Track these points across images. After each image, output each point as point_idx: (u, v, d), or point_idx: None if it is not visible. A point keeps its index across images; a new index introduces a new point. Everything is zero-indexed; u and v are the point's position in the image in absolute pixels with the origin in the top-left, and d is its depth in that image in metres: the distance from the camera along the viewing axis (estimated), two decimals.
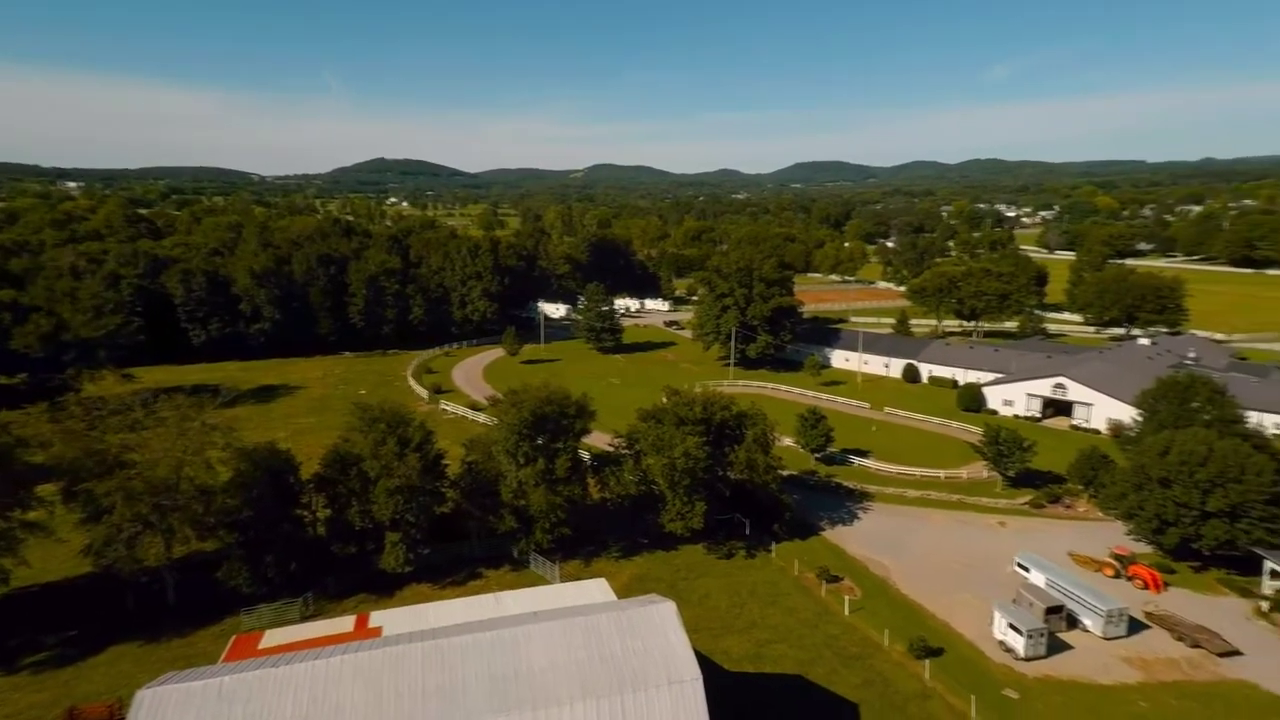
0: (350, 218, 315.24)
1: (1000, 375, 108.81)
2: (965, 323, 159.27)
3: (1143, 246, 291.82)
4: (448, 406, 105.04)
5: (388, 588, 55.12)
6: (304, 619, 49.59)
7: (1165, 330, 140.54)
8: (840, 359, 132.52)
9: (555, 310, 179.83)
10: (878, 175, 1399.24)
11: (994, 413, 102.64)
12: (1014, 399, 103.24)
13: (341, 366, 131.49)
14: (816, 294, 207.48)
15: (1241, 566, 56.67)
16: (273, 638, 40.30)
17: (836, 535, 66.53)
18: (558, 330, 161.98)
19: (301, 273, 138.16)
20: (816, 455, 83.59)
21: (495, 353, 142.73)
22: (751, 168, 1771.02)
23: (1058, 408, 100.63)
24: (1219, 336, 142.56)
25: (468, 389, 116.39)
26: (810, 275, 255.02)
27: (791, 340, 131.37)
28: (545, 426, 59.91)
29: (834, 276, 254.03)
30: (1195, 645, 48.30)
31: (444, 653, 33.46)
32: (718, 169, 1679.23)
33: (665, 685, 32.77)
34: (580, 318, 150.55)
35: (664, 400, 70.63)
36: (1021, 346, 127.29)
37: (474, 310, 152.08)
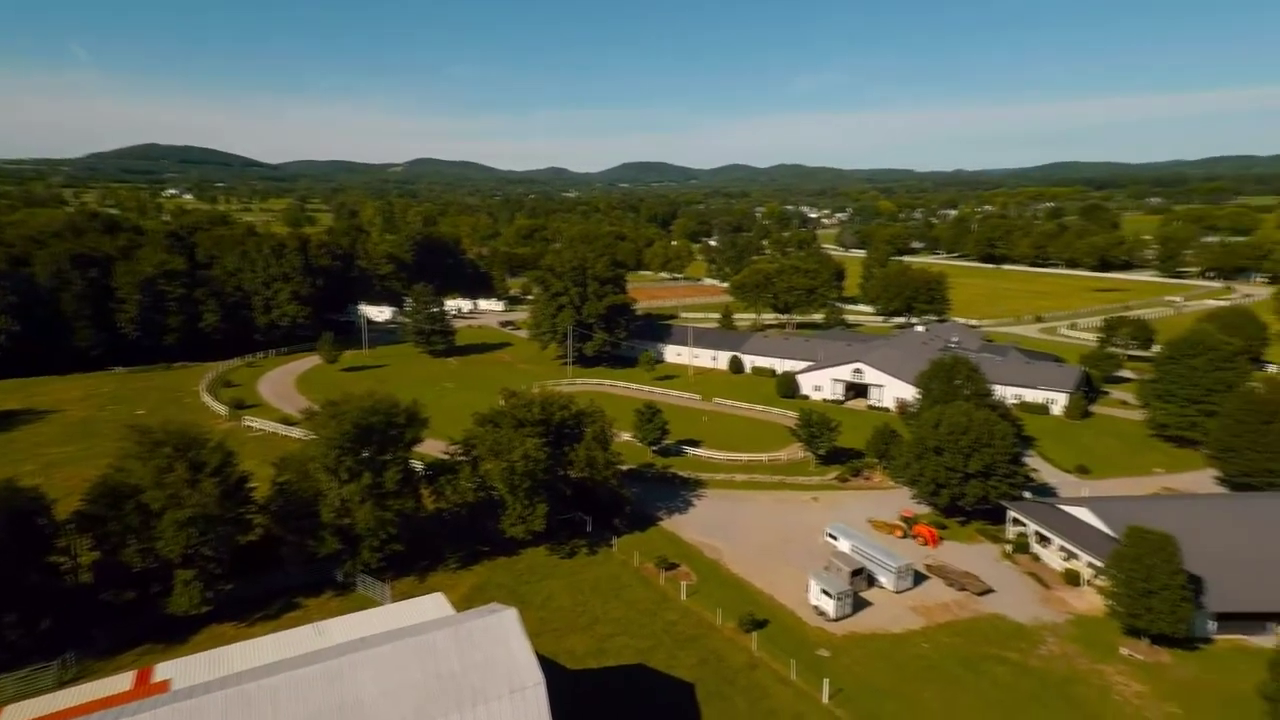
0: (115, 211, 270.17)
1: (810, 363, 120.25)
2: (781, 315, 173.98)
3: (916, 245, 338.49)
4: (253, 423, 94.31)
5: (180, 633, 48.52)
6: (62, 685, 42.02)
7: (935, 318, 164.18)
8: (673, 354, 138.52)
9: (379, 313, 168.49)
10: (699, 177, 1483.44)
11: (806, 398, 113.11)
12: (822, 384, 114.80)
13: (111, 384, 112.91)
14: (649, 291, 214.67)
15: (993, 517, 68.11)
16: (15, 715, 33.63)
17: (674, 524, 69.64)
18: (383, 334, 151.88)
19: (47, 276, 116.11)
20: (654, 448, 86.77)
21: (310, 361, 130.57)
22: (580, 166, 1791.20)
23: (857, 390, 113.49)
24: (973, 322, 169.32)
25: (277, 402, 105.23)
26: (642, 273, 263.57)
27: (627, 337, 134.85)
28: (371, 438, 56.07)
29: (664, 274, 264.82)
30: (961, 588, 57.22)
31: (250, 699, 30.11)
32: (547, 166, 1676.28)
33: (507, 695, 32.33)
34: (408, 320, 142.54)
35: (501, 403, 69.22)
36: (827, 336, 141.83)
37: (281, 315, 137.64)
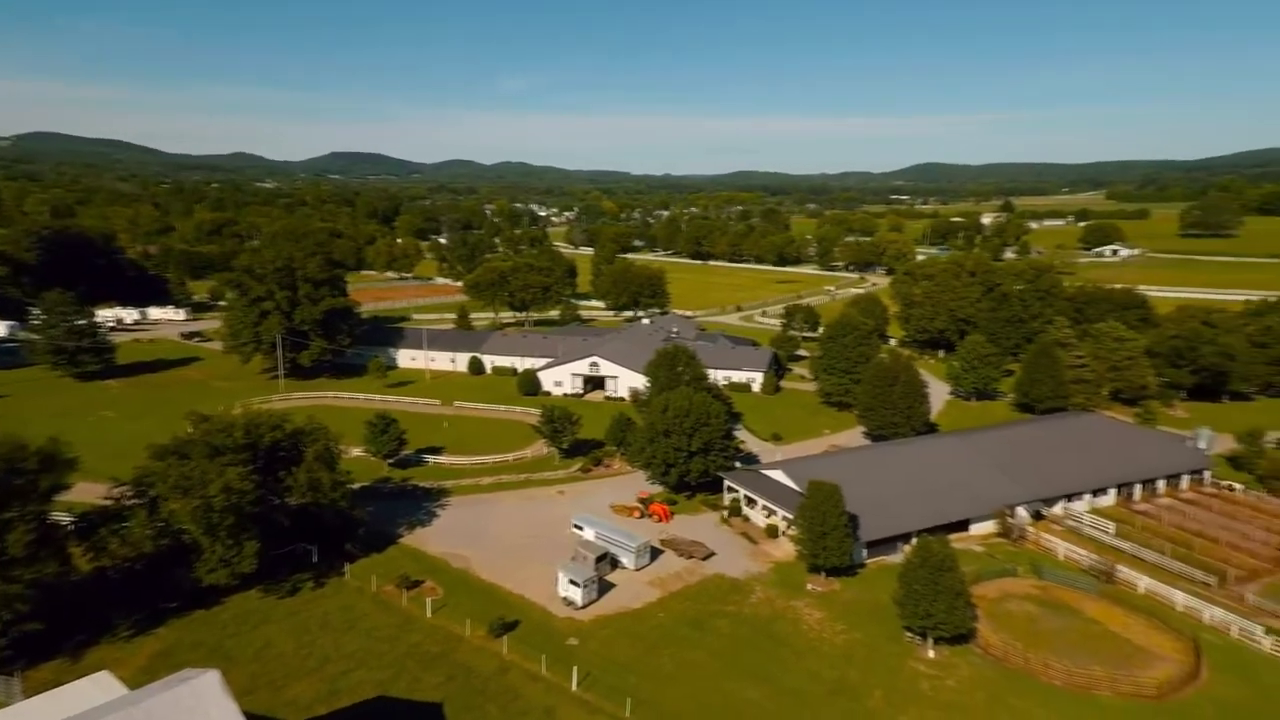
0: None
1: (551, 360, 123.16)
2: (518, 313, 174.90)
3: (637, 243, 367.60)
4: None
5: None
6: None
7: (658, 311, 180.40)
8: (407, 358, 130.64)
9: None
10: (421, 171, 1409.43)
11: (549, 394, 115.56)
12: (562, 380, 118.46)
13: None
14: (375, 292, 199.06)
15: (714, 488, 77.55)
16: None
17: (417, 538, 66.24)
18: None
19: None
20: (390, 461, 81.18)
21: None
22: (279, 153, 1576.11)
23: (595, 383, 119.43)
24: (689, 313, 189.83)
25: None
26: (365, 273, 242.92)
27: (351, 344, 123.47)
28: None
29: (390, 274, 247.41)
30: (690, 556, 64.31)
31: None
32: (233, 151, 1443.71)
33: None
34: (37, 337, 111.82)
35: (190, 429, 58.45)
36: (564, 332, 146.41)
37: None
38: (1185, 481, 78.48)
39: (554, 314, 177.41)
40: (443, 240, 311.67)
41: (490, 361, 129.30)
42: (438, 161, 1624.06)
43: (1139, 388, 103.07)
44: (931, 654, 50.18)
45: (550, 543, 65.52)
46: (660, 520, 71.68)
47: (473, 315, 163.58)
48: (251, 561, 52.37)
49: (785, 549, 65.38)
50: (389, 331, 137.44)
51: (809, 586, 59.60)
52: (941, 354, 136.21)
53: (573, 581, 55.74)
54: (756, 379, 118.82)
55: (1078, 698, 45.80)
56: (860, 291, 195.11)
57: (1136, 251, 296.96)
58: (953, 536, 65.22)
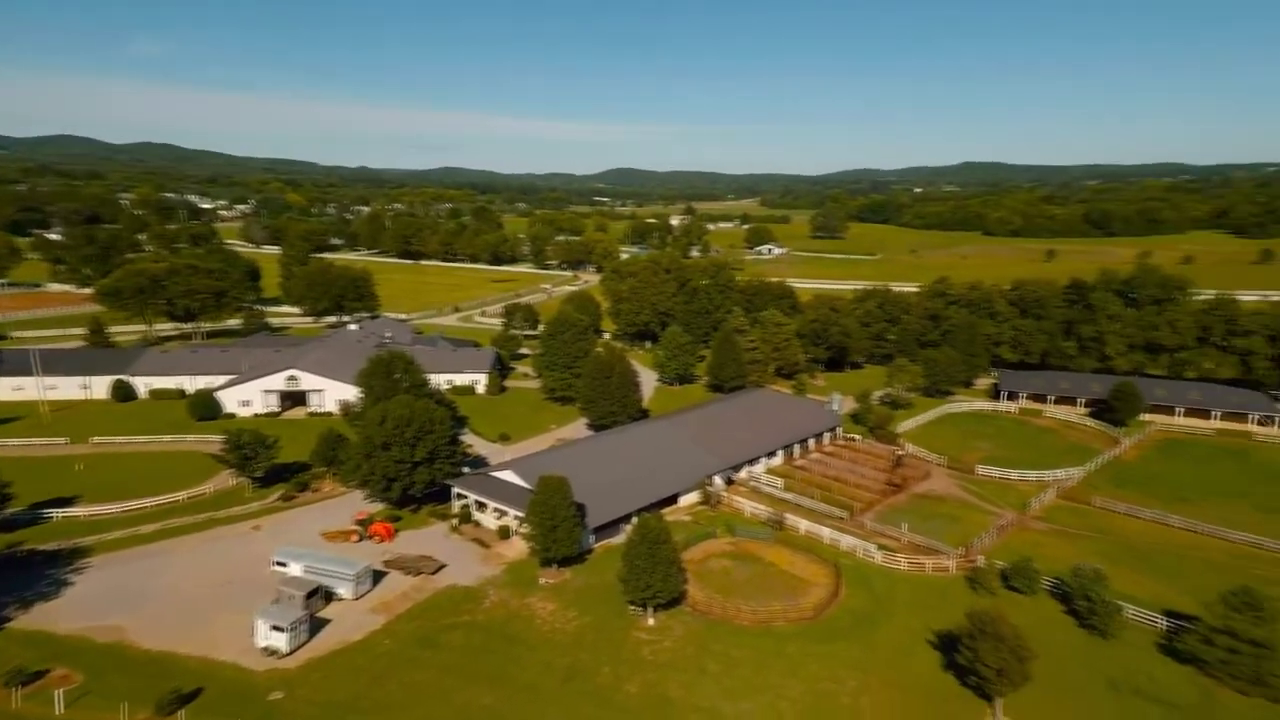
0: None
1: (233, 376, 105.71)
2: (183, 325, 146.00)
3: (335, 241, 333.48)
4: None
5: None
6: None
7: (367, 315, 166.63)
8: (9, 388, 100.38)
9: None
10: (11, 147, 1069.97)
11: (233, 416, 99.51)
12: (251, 398, 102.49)
13: None
14: None
15: (442, 498, 74.81)
16: None
17: (36, 618, 52.47)
18: None
19: None
20: None
21: None
22: None
23: (295, 399, 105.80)
24: (402, 316, 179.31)
25: None
26: None
27: None
28: None
29: None
30: (418, 573, 61.23)
31: None
32: None
33: None
34: None
35: None
36: (250, 344, 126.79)
37: None
38: (827, 438, 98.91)
39: (234, 323, 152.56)
40: (54, 236, 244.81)
41: (144, 384, 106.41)
42: (38, 135, 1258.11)
43: (793, 364, 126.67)
44: (651, 621, 55.51)
45: (246, 587, 56.78)
46: (383, 540, 66.81)
47: (114, 329, 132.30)
48: None
49: (518, 548, 66.10)
50: None
51: (541, 580, 61.19)
52: (649, 345, 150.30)
53: (275, 627, 49.03)
54: (480, 380, 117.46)
55: (762, 631, 54.82)
56: (574, 289, 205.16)
57: (784, 250, 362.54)
58: (666, 511, 73.17)
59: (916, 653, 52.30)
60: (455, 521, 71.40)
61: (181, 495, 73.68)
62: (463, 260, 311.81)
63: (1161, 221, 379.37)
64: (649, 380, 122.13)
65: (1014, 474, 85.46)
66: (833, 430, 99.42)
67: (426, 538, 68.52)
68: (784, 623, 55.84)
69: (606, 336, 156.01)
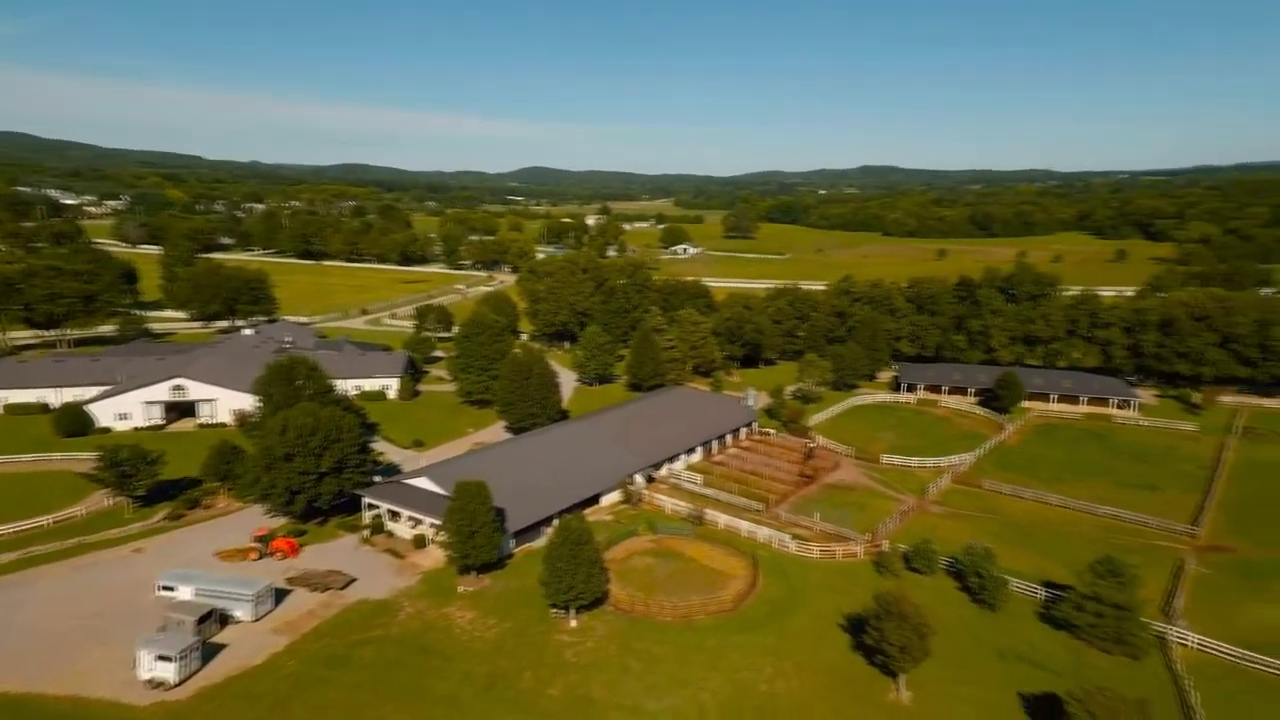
0: None
1: (108, 387, 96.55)
2: (45, 332, 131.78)
3: (225, 240, 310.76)
4: None
5: None
6: None
7: (264, 319, 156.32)
8: None
9: None
10: None
11: (108, 430, 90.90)
12: (130, 411, 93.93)
13: None
14: None
15: (351, 509, 71.17)
16: None
17: None
18: None
19: None
20: None
21: None
22: None
23: (181, 410, 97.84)
24: (304, 320, 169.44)
25: None
26: None
27: None
28: None
29: None
30: (325, 589, 57.96)
31: None
32: None
33: None
34: None
35: None
36: (127, 352, 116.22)
37: None
38: (744, 433, 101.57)
39: (108, 329, 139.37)
40: None
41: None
42: None
43: (710, 361, 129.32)
44: (574, 623, 55.06)
45: (127, 616, 52.09)
46: (286, 556, 62.86)
47: None
48: None
49: (435, 556, 63.87)
50: None
51: (460, 589, 59.39)
52: (567, 345, 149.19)
53: (162, 657, 45.14)
54: (391, 385, 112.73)
55: (683, 626, 55.47)
56: (490, 289, 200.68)
57: (699, 250, 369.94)
58: (588, 511, 72.80)
59: (828, 636, 54.51)
60: (366, 533, 68.12)
61: (46, 520, 66.56)
62: (369, 261, 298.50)
63: (1035, 223, 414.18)
64: (568, 381, 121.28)
65: (914, 461, 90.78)
66: (749, 425, 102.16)
67: (335, 551, 65.01)
68: (705, 616, 56.80)
69: (524, 337, 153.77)
